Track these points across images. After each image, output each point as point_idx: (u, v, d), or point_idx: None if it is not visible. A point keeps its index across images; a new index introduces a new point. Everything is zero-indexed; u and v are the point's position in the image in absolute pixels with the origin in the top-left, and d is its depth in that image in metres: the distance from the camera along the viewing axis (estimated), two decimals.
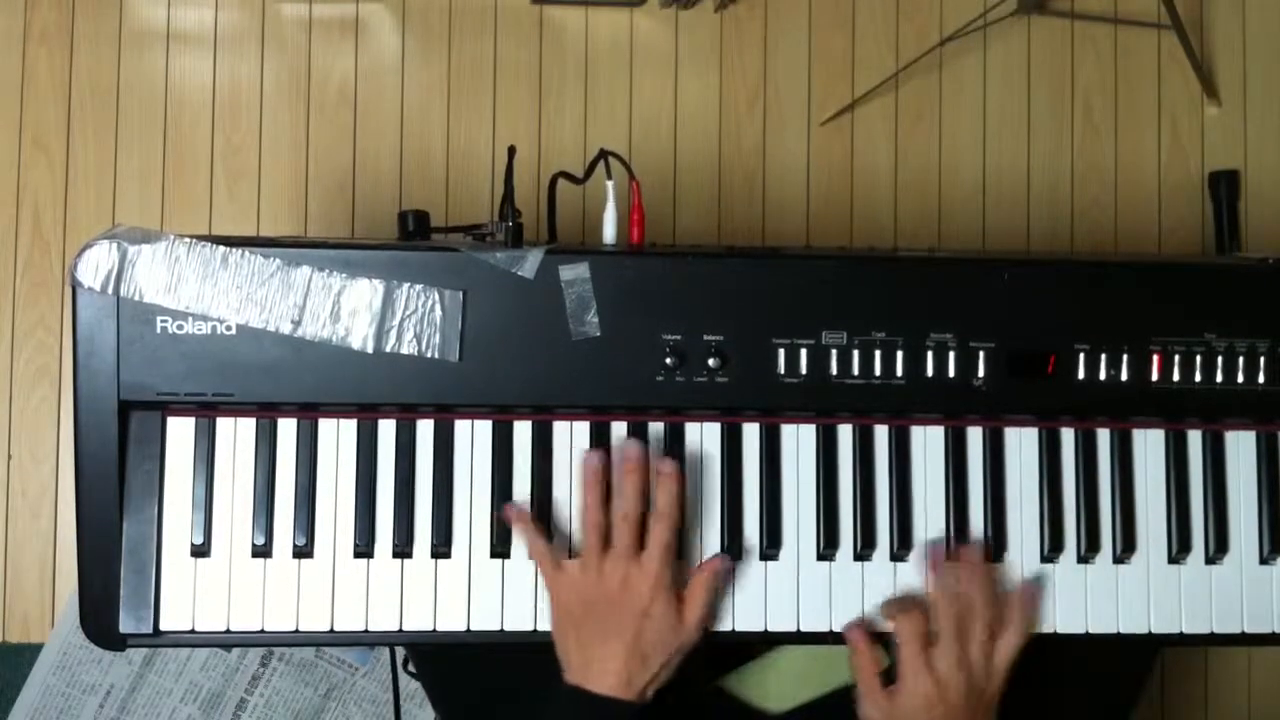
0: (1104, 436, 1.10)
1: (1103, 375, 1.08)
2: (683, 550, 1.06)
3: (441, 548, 1.05)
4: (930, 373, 1.06)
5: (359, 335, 1.01)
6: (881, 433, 1.08)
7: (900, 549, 1.07)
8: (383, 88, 1.75)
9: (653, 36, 1.77)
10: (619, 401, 1.06)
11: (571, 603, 1.01)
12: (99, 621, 1.02)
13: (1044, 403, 1.08)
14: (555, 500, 1.06)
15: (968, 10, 1.77)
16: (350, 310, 1.01)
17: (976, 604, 1.03)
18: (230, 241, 1.01)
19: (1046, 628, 1.08)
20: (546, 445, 1.06)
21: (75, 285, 1.00)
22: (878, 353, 1.06)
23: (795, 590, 1.07)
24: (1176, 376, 1.08)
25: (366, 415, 1.05)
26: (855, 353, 1.05)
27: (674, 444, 1.07)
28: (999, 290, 1.07)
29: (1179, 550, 1.09)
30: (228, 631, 1.03)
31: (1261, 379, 1.09)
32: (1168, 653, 1.72)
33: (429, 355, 1.02)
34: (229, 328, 1.01)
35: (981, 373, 1.07)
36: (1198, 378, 1.08)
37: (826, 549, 1.07)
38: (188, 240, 1.00)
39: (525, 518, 1.03)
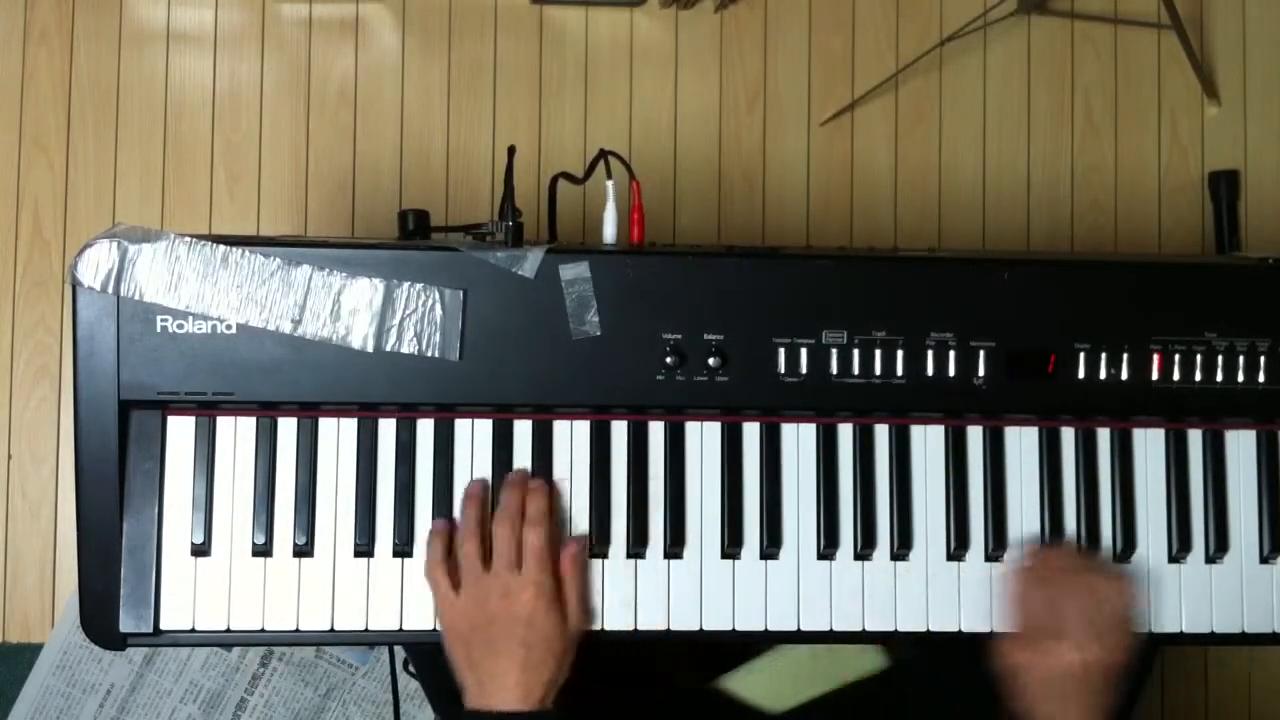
0: (1104, 436, 1.10)
1: (1103, 375, 1.08)
2: (682, 552, 1.06)
3: None
4: (930, 372, 1.06)
5: (359, 334, 1.01)
6: (882, 432, 1.08)
7: (900, 548, 1.07)
8: (383, 88, 1.75)
9: (653, 36, 1.77)
10: (619, 401, 1.06)
11: (460, 625, 1.01)
12: (99, 621, 1.02)
13: (1044, 402, 1.08)
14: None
15: (968, 10, 1.77)
16: (350, 309, 1.01)
17: (1100, 569, 1.06)
18: (230, 241, 1.01)
19: None
20: (547, 444, 1.06)
21: (75, 285, 0.99)
22: (878, 352, 1.06)
23: (795, 590, 1.07)
24: (1176, 376, 1.08)
25: (367, 414, 1.05)
26: (855, 352, 1.05)
27: (674, 444, 1.07)
28: (999, 290, 1.07)
29: (1179, 549, 1.09)
30: (228, 631, 1.03)
31: (1261, 379, 1.09)
32: (1168, 652, 1.71)
33: (429, 354, 1.02)
34: (229, 327, 1.01)
35: (981, 372, 1.07)
36: (1198, 377, 1.08)
37: (827, 548, 1.07)
38: (188, 239, 1.00)
39: (436, 547, 1.02)
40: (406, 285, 1.01)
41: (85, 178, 1.71)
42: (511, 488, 1.03)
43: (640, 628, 1.05)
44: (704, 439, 1.07)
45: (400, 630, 1.04)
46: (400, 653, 1.42)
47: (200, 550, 1.03)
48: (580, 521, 1.05)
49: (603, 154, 1.10)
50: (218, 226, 1.72)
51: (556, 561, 1.02)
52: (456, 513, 1.04)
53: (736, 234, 1.75)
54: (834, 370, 1.06)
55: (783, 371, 1.05)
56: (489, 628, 1.00)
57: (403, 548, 1.04)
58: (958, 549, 1.08)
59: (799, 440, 1.08)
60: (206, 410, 1.03)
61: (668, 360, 1.04)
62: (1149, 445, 1.10)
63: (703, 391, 1.05)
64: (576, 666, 1.02)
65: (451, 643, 1.02)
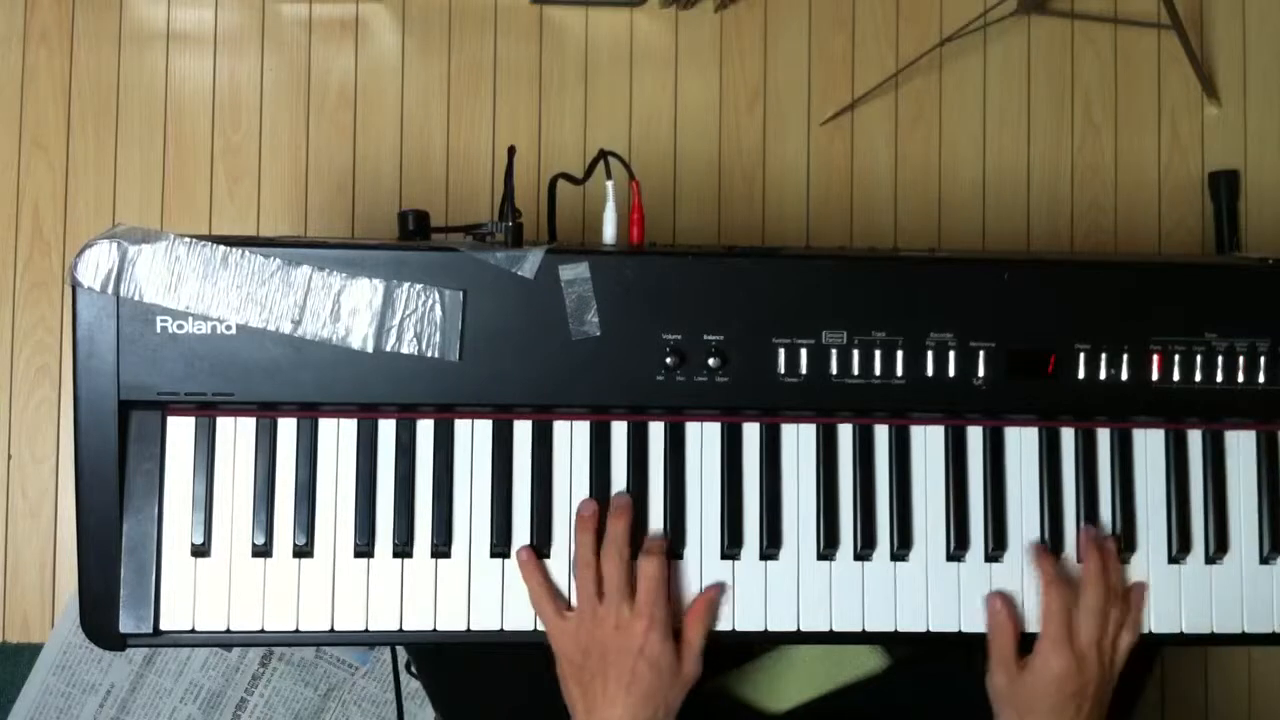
0: (1104, 436, 1.10)
1: (1103, 375, 1.08)
2: (682, 552, 1.06)
3: (441, 547, 1.05)
4: (930, 372, 1.06)
5: (359, 334, 1.01)
6: (881, 432, 1.08)
7: (900, 549, 1.07)
8: (383, 88, 1.75)
9: (653, 36, 1.77)
10: (619, 401, 1.06)
11: (570, 650, 1.01)
12: (99, 621, 1.02)
13: (1044, 402, 1.08)
14: (555, 499, 1.06)
15: (968, 10, 1.77)
16: (350, 310, 1.01)
17: (1115, 593, 1.05)
18: (230, 241, 1.01)
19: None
20: (547, 444, 1.06)
21: (75, 285, 0.99)
22: (878, 352, 1.06)
23: (795, 590, 1.07)
24: (1176, 376, 1.08)
25: (366, 415, 1.05)
26: (855, 352, 1.05)
27: (674, 444, 1.07)
28: (999, 290, 1.07)
29: (1179, 550, 1.09)
30: (228, 631, 1.03)
31: (1261, 379, 1.09)
32: (1168, 653, 1.71)
33: (429, 355, 1.02)
34: (229, 327, 1.01)
35: (981, 372, 1.07)
36: (1198, 378, 1.08)
37: (827, 548, 1.07)
38: (188, 240, 1.00)
39: (531, 565, 1.04)
40: (406, 285, 1.01)
41: (85, 178, 1.71)
42: (623, 513, 1.03)
43: None
44: (704, 439, 1.07)
45: (400, 630, 1.04)
46: (402, 653, 1.42)
47: (200, 550, 1.03)
48: None
49: (603, 154, 1.10)
50: (218, 227, 1.72)
51: (668, 592, 1.02)
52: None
53: (736, 234, 1.75)
54: (834, 370, 1.06)
55: (783, 371, 1.05)
56: (602, 656, 1.00)
57: (403, 548, 1.04)
58: (958, 549, 1.08)
59: (799, 440, 1.08)
60: (206, 410, 1.03)
61: (668, 360, 1.04)
62: (1149, 445, 1.10)
63: (703, 391, 1.05)
64: None
65: (563, 666, 1.02)
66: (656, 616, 1.00)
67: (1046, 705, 1.02)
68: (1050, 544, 1.08)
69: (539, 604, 1.03)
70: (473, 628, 1.04)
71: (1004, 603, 1.06)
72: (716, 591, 1.04)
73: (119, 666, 1.65)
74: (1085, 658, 1.03)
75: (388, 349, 1.02)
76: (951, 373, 1.06)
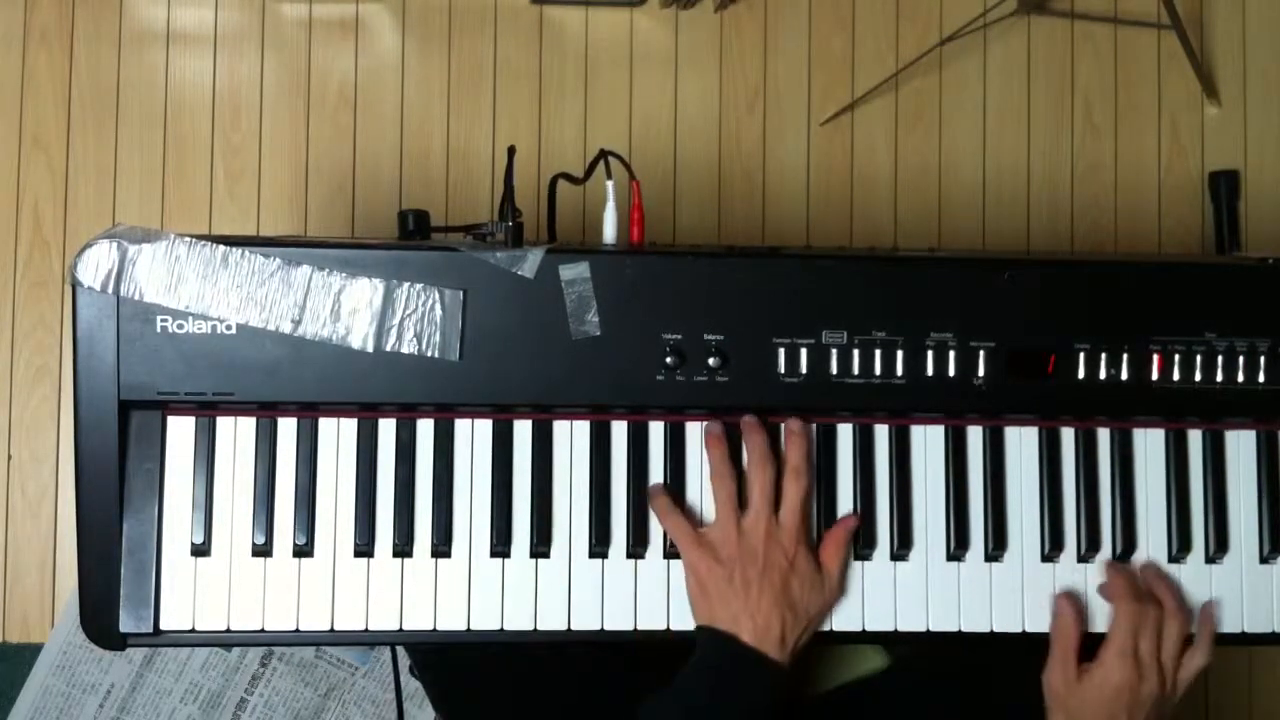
0: (1104, 436, 1.10)
1: (1103, 375, 1.08)
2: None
3: (441, 547, 1.05)
4: (930, 372, 1.06)
5: (359, 334, 1.01)
6: (881, 432, 1.08)
7: (900, 548, 1.07)
8: (383, 88, 1.75)
9: (653, 36, 1.77)
10: (619, 401, 1.06)
11: (715, 567, 1.02)
12: (99, 621, 1.02)
13: (1044, 402, 1.08)
14: (555, 498, 1.06)
15: (968, 10, 1.77)
16: (350, 309, 1.01)
17: (1180, 614, 1.05)
18: (230, 241, 1.01)
19: (1047, 627, 1.08)
20: (547, 444, 1.06)
21: (75, 285, 0.99)
22: (878, 352, 1.06)
23: None
24: (1176, 376, 1.08)
25: (367, 414, 1.05)
26: (855, 352, 1.05)
27: (674, 444, 1.07)
28: (999, 290, 1.07)
29: (1179, 550, 1.09)
30: (228, 631, 1.03)
31: (1261, 379, 1.09)
32: None
33: (429, 354, 1.02)
34: (229, 327, 1.01)
35: (981, 372, 1.07)
36: (1198, 377, 1.08)
37: None
38: (188, 240, 1.00)
39: (663, 502, 1.04)
40: (406, 285, 1.01)
41: (85, 178, 1.71)
42: (759, 429, 1.04)
43: (640, 627, 1.05)
44: (704, 439, 1.07)
45: (400, 630, 1.04)
46: (403, 656, 1.42)
47: (200, 550, 1.03)
48: (580, 521, 1.05)
49: (603, 154, 1.10)
50: (218, 226, 1.72)
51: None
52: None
53: (736, 234, 1.75)
54: (834, 370, 1.06)
55: (783, 371, 1.05)
56: (753, 563, 1.01)
57: (403, 548, 1.04)
58: (957, 549, 1.08)
59: None
60: (206, 410, 1.03)
61: (668, 360, 1.04)
62: (1149, 445, 1.10)
63: (703, 391, 1.05)
64: (578, 664, 1.02)
65: (703, 585, 1.02)
66: (803, 534, 1.03)
67: (1101, 713, 1.03)
68: (1050, 543, 1.08)
69: (677, 533, 1.03)
70: (473, 628, 1.04)
71: (1070, 604, 1.06)
72: (853, 520, 1.06)
73: (119, 666, 1.65)
74: (1147, 672, 1.03)
75: (388, 349, 1.02)
76: (951, 373, 1.06)
